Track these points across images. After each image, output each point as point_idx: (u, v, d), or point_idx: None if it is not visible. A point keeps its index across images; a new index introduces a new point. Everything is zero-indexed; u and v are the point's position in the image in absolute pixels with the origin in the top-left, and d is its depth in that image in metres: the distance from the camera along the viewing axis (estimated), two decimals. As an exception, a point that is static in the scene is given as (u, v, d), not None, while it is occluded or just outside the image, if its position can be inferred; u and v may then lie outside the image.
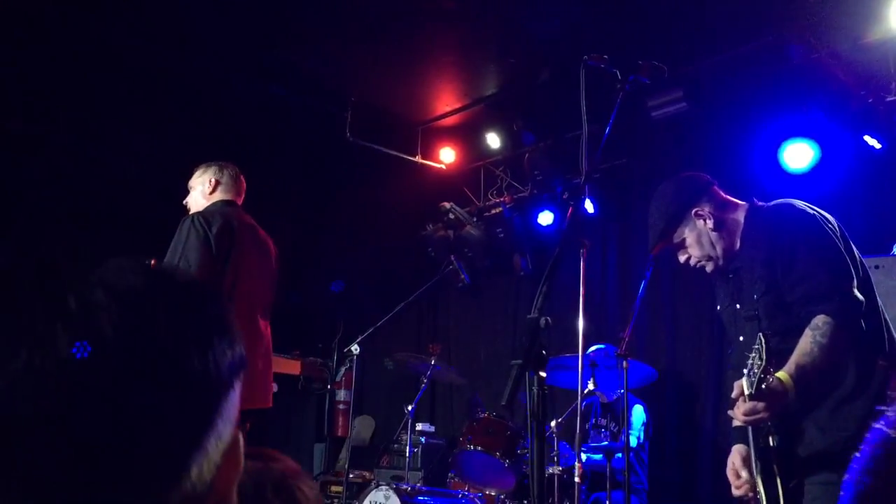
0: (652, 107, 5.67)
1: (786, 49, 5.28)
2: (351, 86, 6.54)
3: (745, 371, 2.47)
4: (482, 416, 5.12)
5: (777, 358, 2.50)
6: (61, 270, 0.76)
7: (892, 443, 1.17)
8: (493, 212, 7.35)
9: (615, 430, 5.37)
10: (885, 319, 2.72)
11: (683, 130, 5.92)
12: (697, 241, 2.91)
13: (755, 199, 2.97)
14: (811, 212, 2.78)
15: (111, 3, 5.29)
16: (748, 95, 5.56)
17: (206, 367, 0.74)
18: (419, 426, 6.43)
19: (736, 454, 2.77)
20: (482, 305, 7.69)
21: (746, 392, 2.44)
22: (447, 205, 7.22)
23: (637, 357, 4.70)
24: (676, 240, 2.95)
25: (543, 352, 1.75)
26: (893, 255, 4.39)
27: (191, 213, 4.03)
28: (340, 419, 7.71)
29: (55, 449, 0.68)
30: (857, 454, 1.19)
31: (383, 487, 4.90)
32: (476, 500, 4.99)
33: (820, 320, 2.54)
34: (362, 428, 7.68)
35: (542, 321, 1.79)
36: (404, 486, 4.96)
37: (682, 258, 2.99)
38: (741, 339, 2.84)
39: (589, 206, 6.27)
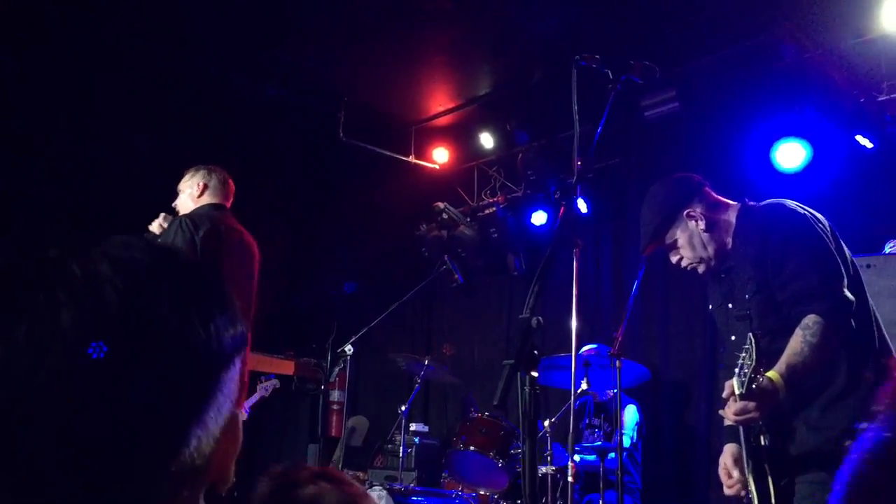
0: (645, 106, 5.69)
1: (778, 49, 5.30)
2: (344, 86, 6.54)
3: (736, 371, 2.47)
4: (476, 416, 5.12)
5: (768, 358, 2.50)
6: (65, 246, 0.76)
7: (885, 443, 1.18)
8: (487, 212, 7.34)
9: (608, 430, 5.37)
10: (876, 319, 2.73)
11: (676, 130, 5.93)
12: (689, 242, 2.92)
13: (746, 199, 2.98)
14: (802, 212, 2.79)
15: (109, 4, 5.28)
16: (740, 95, 5.57)
17: (207, 339, 0.75)
18: (413, 426, 6.42)
19: (727, 453, 2.78)
20: (476, 305, 7.69)
21: (737, 392, 2.45)
22: (441, 205, 7.22)
23: (630, 357, 4.70)
24: (668, 241, 2.96)
25: (535, 352, 1.75)
26: (885, 254, 4.40)
27: (179, 215, 4.09)
28: (334, 419, 7.70)
29: (55, 417, 0.68)
30: (850, 454, 1.19)
31: (377, 488, 4.90)
32: (470, 500, 4.99)
33: (810, 320, 2.54)
34: (356, 428, 7.67)
35: (534, 321, 1.79)
36: (398, 487, 4.96)
37: (673, 259, 3.00)
38: (733, 338, 2.85)
39: (582, 206, 6.27)
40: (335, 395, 7.68)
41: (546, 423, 4.81)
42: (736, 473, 2.71)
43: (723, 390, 2.57)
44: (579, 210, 6.18)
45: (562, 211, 2.30)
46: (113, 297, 0.71)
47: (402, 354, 6.11)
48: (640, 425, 5.36)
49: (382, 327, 5.65)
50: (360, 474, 6.35)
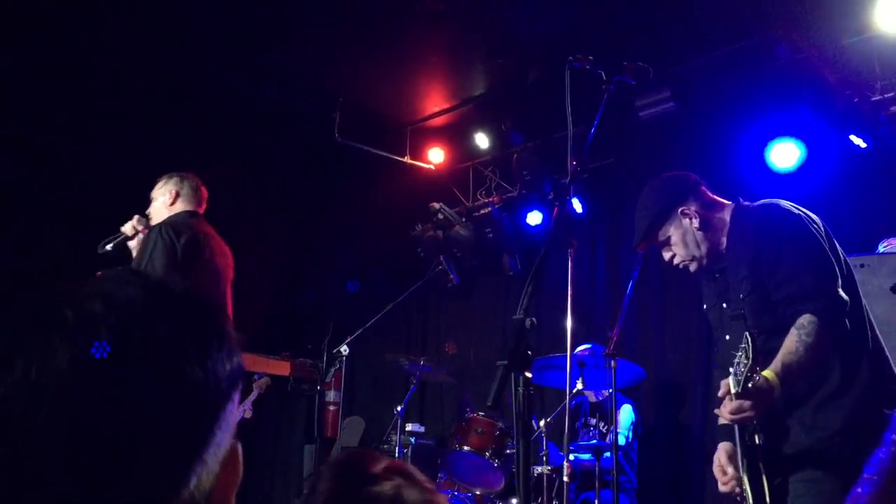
0: (640, 107, 5.70)
1: (772, 49, 5.31)
2: (339, 86, 6.53)
3: (732, 370, 2.48)
4: (471, 416, 5.12)
5: (762, 357, 2.51)
6: (59, 281, 0.75)
7: None
8: (482, 212, 7.35)
9: (604, 430, 5.38)
10: (869, 318, 2.74)
11: (671, 130, 5.94)
12: (682, 240, 2.93)
13: (741, 199, 2.99)
14: (796, 212, 2.80)
15: (109, 4, 5.28)
16: (735, 95, 5.59)
17: (205, 378, 0.74)
18: (409, 426, 6.42)
19: (722, 451, 2.80)
20: (471, 305, 7.69)
21: (733, 391, 2.46)
22: (436, 205, 7.22)
23: (625, 356, 4.71)
24: (661, 238, 2.97)
25: (529, 352, 1.76)
26: (879, 253, 4.41)
27: (155, 223, 4.15)
28: (330, 420, 7.70)
29: (53, 461, 0.67)
30: (885, 440, 1.19)
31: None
32: (466, 500, 5.00)
33: (805, 319, 2.55)
34: (352, 429, 7.67)
35: (528, 322, 1.79)
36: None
37: (666, 256, 3.01)
38: (727, 337, 2.86)
39: (577, 206, 6.28)
40: (331, 395, 7.68)
41: (542, 422, 4.82)
42: (731, 470, 2.72)
43: (718, 389, 2.58)
44: (574, 210, 6.19)
45: (555, 212, 2.30)
46: (106, 339, 0.70)
47: (398, 355, 6.11)
48: (636, 424, 5.37)
49: (378, 328, 5.64)
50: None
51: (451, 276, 5.92)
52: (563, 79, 2.70)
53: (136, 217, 4.27)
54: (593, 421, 5.50)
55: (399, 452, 5.53)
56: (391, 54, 5.97)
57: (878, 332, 2.74)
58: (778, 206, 2.84)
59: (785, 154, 5.43)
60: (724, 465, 2.76)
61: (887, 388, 2.61)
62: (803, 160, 5.40)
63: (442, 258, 6.14)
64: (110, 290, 0.74)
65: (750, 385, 2.43)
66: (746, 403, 2.45)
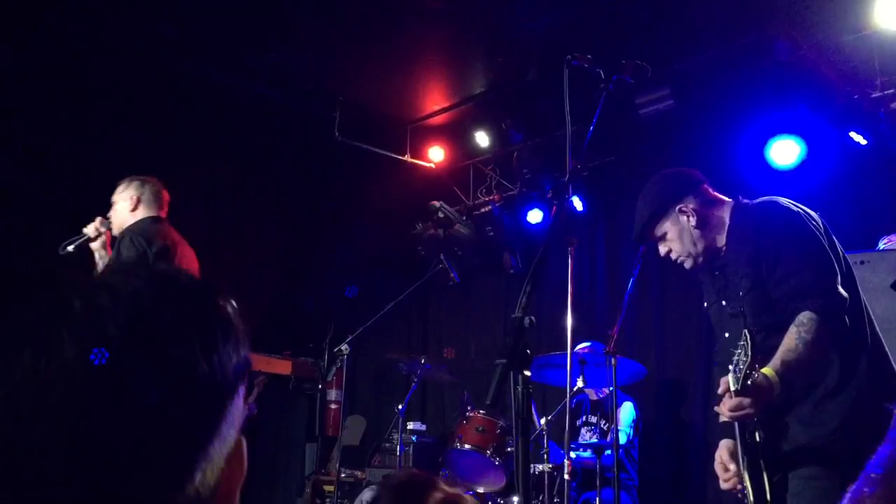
0: (639, 105, 5.70)
1: (772, 46, 5.30)
2: (339, 85, 6.53)
3: (731, 367, 2.49)
4: (472, 414, 5.13)
5: (762, 355, 2.52)
6: (66, 275, 0.75)
7: None
8: (483, 210, 7.35)
9: (605, 428, 5.38)
10: (868, 315, 2.74)
11: (671, 128, 5.94)
12: (679, 237, 2.95)
13: (740, 197, 3.00)
14: (795, 209, 2.81)
15: (109, 4, 5.28)
16: (734, 93, 5.58)
17: (211, 371, 0.74)
18: (410, 425, 6.43)
19: (723, 448, 2.81)
20: (472, 304, 7.70)
21: (732, 388, 2.46)
22: (437, 204, 7.22)
23: (626, 354, 4.71)
24: (658, 233, 3.00)
25: (528, 351, 1.76)
26: (879, 250, 4.41)
27: (117, 228, 4.19)
28: (332, 419, 7.71)
29: (59, 454, 0.67)
30: (878, 453, 1.19)
31: (375, 486, 4.91)
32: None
33: (805, 317, 2.56)
34: (353, 427, 7.68)
35: (527, 321, 1.80)
36: (395, 485, 4.95)
37: (662, 251, 3.04)
38: (727, 335, 2.86)
39: (578, 204, 6.28)
40: (332, 394, 7.68)
41: (542, 420, 4.82)
42: (732, 467, 2.74)
43: (718, 387, 2.59)
44: (574, 208, 6.19)
45: (553, 211, 2.31)
46: (113, 331, 0.70)
47: (399, 353, 6.11)
48: (637, 422, 5.37)
49: (379, 326, 5.65)
50: (358, 473, 6.37)
51: (452, 275, 5.92)
52: (562, 77, 2.71)
53: (98, 219, 4.26)
54: (594, 419, 5.50)
55: (400, 451, 5.53)
56: (391, 53, 5.98)
57: (877, 328, 2.74)
58: (777, 203, 2.85)
59: (785, 151, 5.43)
60: (725, 462, 2.78)
61: (887, 384, 2.61)
62: (803, 157, 5.39)
63: (442, 257, 6.14)
64: (118, 283, 0.74)
65: (749, 382, 2.44)
66: (746, 401, 2.46)
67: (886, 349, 2.72)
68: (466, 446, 4.96)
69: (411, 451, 6.22)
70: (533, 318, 1.81)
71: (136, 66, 5.89)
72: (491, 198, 7.29)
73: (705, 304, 3.13)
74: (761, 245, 2.76)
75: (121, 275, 0.76)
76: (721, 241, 2.94)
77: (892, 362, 2.70)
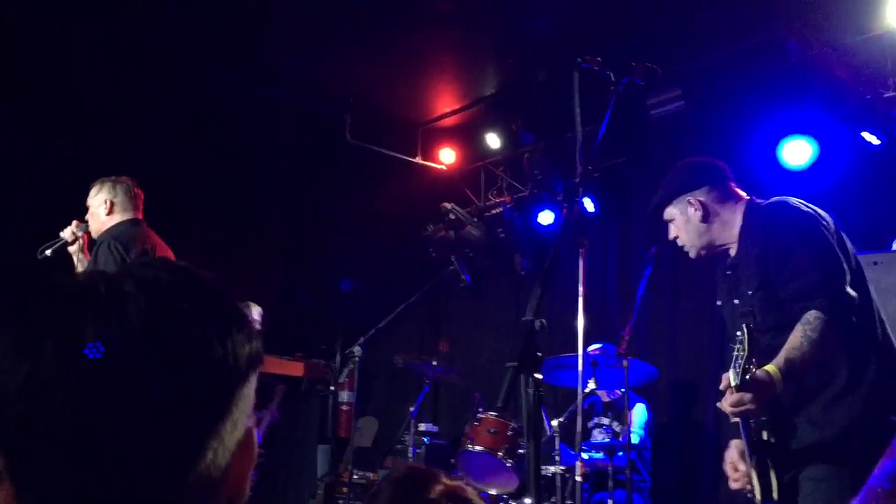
0: (650, 105, 5.69)
1: (783, 46, 5.29)
2: (350, 88, 6.55)
3: (731, 363, 2.49)
4: (484, 415, 5.13)
5: (769, 354, 2.52)
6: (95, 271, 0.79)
7: None
8: (494, 212, 7.36)
9: (617, 429, 5.37)
10: (880, 316, 2.73)
11: (682, 129, 5.93)
12: (684, 226, 3.00)
13: (753, 197, 3.01)
14: (805, 209, 2.80)
15: (112, 6, 5.31)
16: (746, 93, 5.57)
17: (225, 355, 0.78)
18: (422, 426, 6.43)
19: (733, 448, 2.81)
20: (483, 305, 7.70)
21: (732, 384, 2.47)
22: (448, 205, 7.22)
23: (638, 356, 4.70)
24: (666, 217, 3.06)
25: (538, 353, 1.77)
26: (892, 251, 4.39)
27: (94, 232, 4.17)
28: (344, 420, 7.72)
29: (78, 423, 0.71)
30: (884, 466, 1.19)
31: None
32: (479, 499, 4.99)
33: (811, 315, 2.56)
34: (366, 429, 7.69)
35: (537, 323, 1.80)
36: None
37: (670, 235, 3.09)
38: (738, 334, 2.87)
39: (589, 205, 6.28)
40: (344, 395, 7.69)
41: (554, 422, 4.82)
42: (742, 467, 2.74)
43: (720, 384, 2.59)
44: (586, 209, 6.19)
45: (565, 212, 2.32)
46: (135, 314, 0.74)
47: (411, 355, 6.12)
48: (649, 423, 5.36)
49: (391, 328, 5.66)
50: (371, 475, 6.37)
51: (464, 276, 5.93)
52: (573, 79, 2.72)
53: (74, 222, 4.25)
54: (606, 420, 5.50)
55: (412, 452, 5.54)
56: (402, 55, 5.99)
57: (888, 329, 2.73)
58: (787, 203, 2.85)
59: (797, 152, 5.41)
60: (735, 462, 2.79)
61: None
62: (816, 158, 5.37)
63: (454, 258, 6.15)
64: (141, 272, 0.79)
65: (748, 377, 2.44)
66: (746, 396, 2.46)
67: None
68: (478, 448, 4.96)
69: (423, 453, 6.23)
70: (544, 321, 1.82)
71: (150, 67, 5.92)
72: (502, 199, 7.29)
73: (718, 303, 3.14)
74: (770, 244, 2.77)
75: (143, 266, 0.81)
76: (727, 238, 2.96)
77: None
